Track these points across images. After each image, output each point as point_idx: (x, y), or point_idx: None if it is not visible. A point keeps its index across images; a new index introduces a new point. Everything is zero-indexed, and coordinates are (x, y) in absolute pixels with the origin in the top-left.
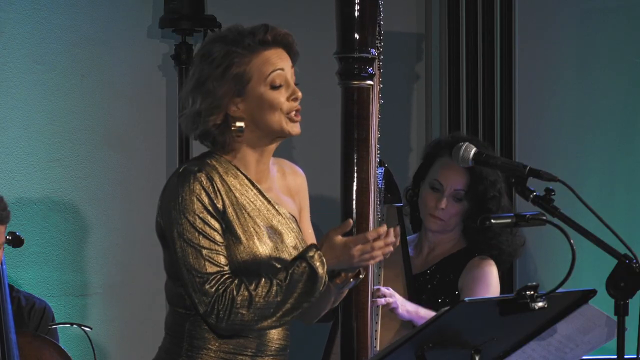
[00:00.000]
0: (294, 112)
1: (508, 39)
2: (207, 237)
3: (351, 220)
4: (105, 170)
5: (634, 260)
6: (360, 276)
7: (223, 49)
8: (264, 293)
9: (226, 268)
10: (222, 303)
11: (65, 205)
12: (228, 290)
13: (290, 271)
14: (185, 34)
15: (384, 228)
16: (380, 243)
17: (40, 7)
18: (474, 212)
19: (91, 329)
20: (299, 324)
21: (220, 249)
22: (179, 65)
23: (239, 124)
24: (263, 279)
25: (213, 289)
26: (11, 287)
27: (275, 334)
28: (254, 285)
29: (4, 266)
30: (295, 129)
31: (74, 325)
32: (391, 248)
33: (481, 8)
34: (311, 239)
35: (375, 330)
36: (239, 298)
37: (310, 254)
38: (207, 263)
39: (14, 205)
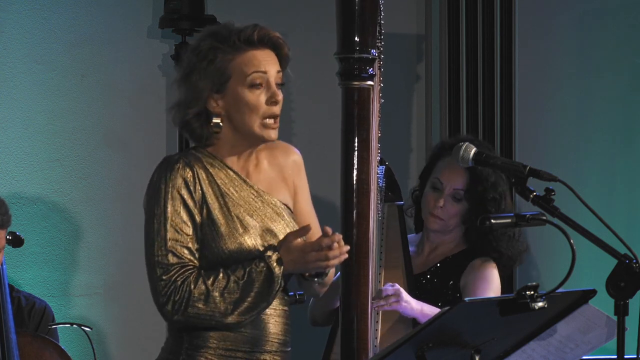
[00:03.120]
0: (271, 120)
1: (508, 39)
2: (175, 228)
3: (310, 225)
4: (105, 170)
5: (634, 260)
6: (326, 271)
7: (210, 44)
8: (220, 288)
9: (188, 260)
10: (178, 294)
11: (65, 205)
12: (186, 282)
13: (248, 269)
14: (185, 34)
15: (338, 236)
16: (335, 252)
17: (40, 7)
18: (473, 213)
19: (91, 329)
20: (298, 323)
21: (185, 242)
22: (179, 65)
23: (215, 120)
24: (221, 274)
25: (172, 279)
26: (11, 287)
27: (274, 328)
28: (211, 279)
29: (4, 266)
30: (270, 134)
31: (74, 325)
32: (346, 256)
33: (481, 8)
34: (311, 217)
35: (376, 330)
36: (196, 291)
37: (269, 254)
38: (169, 254)
39: (14, 206)
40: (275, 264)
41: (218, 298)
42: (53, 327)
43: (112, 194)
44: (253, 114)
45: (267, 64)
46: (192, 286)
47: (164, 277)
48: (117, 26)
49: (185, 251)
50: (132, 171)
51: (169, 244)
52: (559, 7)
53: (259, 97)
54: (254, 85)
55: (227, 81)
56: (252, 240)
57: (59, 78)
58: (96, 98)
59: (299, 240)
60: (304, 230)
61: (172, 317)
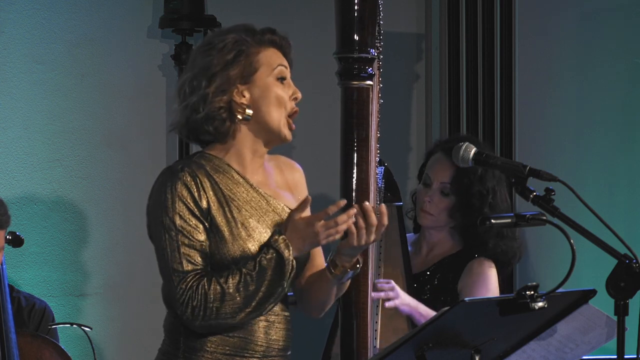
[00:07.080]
0: (291, 120)
1: (508, 39)
2: (185, 236)
3: (309, 197)
4: (105, 170)
5: (634, 260)
6: (358, 266)
7: (234, 37)
8: (234, 284)
9: (202, 267)
10: (195, 299)
11: (65, 205)
12: (200, 286)
13: (258, 259)
14: (185, 34)
15: (343, 201)
16: (343, 217)
17: (40, 7)
18: (459, 207)
19: (91, 329)
20: (298, 323)
21: (198, 248)
22: (179, 65)
23: (248, 111)
24: (233, 271)
25: (189, 286)
26: (11, 288)
27: (275, 335)
28: (224, 278)
29: (4, 266)
30: (287, 135)
31: (74, 325)
32: (353, 219)
33: (481, 8)
34: None
35: (375, 330)
36: (211, 293)
37: (275, 238)
38: (184, 261)
39: (14, 205)
40: (282, 246)
41: (234, 294)
42: (53, 327)
43: (112, 194)
44: (281, 107)
45: (285, 62)
46: (207, 288)
47: (182, 285)
48: (117, 26)
49: (199, 258)
50: (132, 171)
51: (183, 251)
52: (559, 7)
53: (285, 91)
54: (280, 77)
55: (255, 72)
56: (255, 245)
57: (59, 78)
58: (96, 98)
59: (301, 216)
60: (305, 203)
61: (194, 323)
